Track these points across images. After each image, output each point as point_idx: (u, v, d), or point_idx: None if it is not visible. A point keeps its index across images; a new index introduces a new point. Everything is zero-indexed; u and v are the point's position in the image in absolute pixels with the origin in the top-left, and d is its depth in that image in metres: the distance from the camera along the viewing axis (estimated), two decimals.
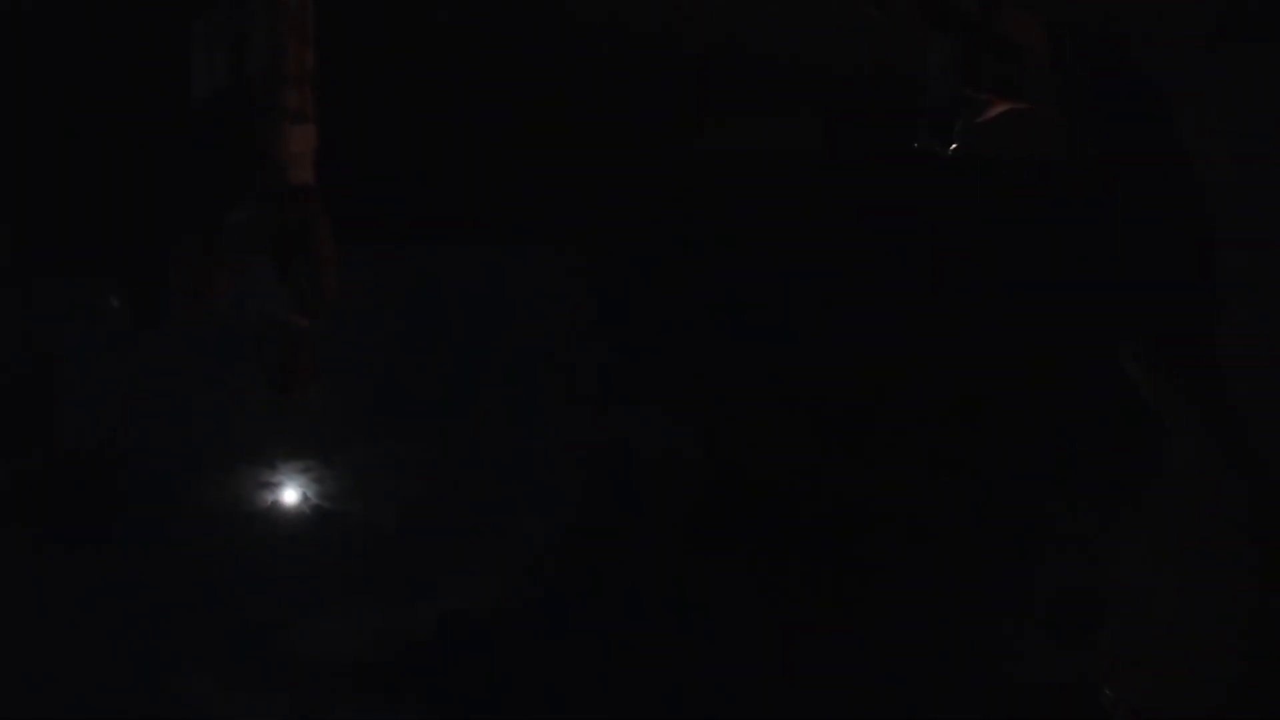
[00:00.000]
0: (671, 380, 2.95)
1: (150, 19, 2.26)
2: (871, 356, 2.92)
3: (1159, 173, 1.59)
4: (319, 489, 2.82)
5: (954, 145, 1.90)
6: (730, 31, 2.94)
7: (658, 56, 2.93)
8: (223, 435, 2.79)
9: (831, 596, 2.59)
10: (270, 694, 2.42)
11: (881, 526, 2.70)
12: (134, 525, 2.62)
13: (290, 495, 2.83)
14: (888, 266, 2.92)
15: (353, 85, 2.42)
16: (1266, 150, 1.58)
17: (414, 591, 2.61)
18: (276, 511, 2.79)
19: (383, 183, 2.82)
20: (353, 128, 2.36)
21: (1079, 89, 1.64)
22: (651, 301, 3.01)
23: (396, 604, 2.58)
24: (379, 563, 2.68)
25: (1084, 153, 1.66)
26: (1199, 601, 1.59)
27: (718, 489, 2.80)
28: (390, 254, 2.89)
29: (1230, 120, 1.56)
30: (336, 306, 2.24)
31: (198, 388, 2.64)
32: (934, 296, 2.86)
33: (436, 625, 2.55)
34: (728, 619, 2.55)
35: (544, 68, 2.90)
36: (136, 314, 2.39)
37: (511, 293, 2.99)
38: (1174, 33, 1.56)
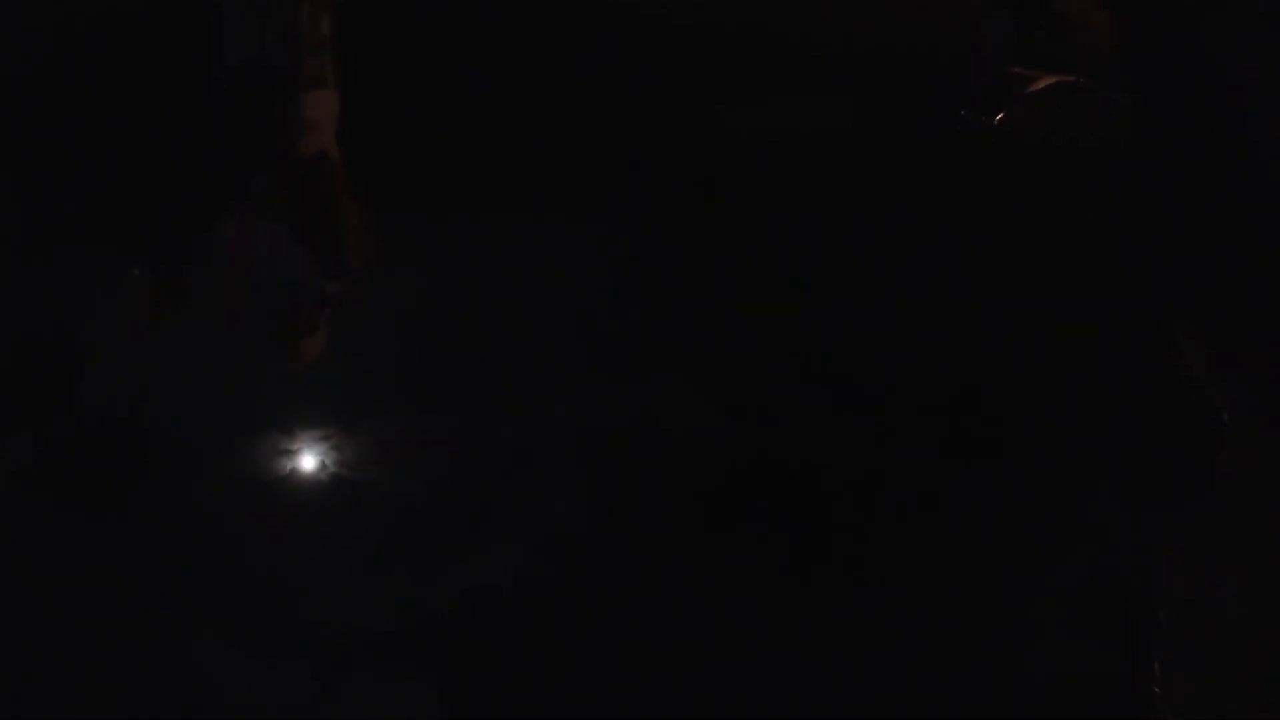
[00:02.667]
0: (698, 355, 2.93)
1: None
2: (902, 334, 2.90)
3: (1223, 153, 1.57)
4: (338, 457, 2.80)
5: (1000, 116, 1.87)
6: (764, 6, 2.91)
7: (691, 30, 2.90)
8: (243, 403, 2.77)
9: (856, 576, 2.58)
10: (288, 663, 2.41)
11: (909, 507, 2.68)
12: (154, 492, 2.61)
13: (309, 463, 2.81)
14: (920, 244, 2.90)
15: (379, 52, 2.39)
16: None
17: (434, 563, 2.59)
18: (296, 479, 2.77)
19: (408, 150, 2.79)
20: (379, 95, 2.33)
21: (1142, 66, 1.61)
22: (678, 276, 2.99)
23: (416, 575, 2.57)
24: (399, 533, 2.67)
25: (1145, 132, 1.63)
26: (1258, 601, 1.57)
27: (743, 465, 2.79)
28: (415, 222, 2.87)
29: None
30: (357, 273, 2.22)
31: (219, 355, 2.61)
32: (968, 275, 2.84)
33: (457, 597, 2.53)
34: (751, 597, 2.54)
35: (576, 39, 2.87)
36: (159, 283, 2.37)
37: (537, 264, 2.97)
38: (1244, 9, 1.53)
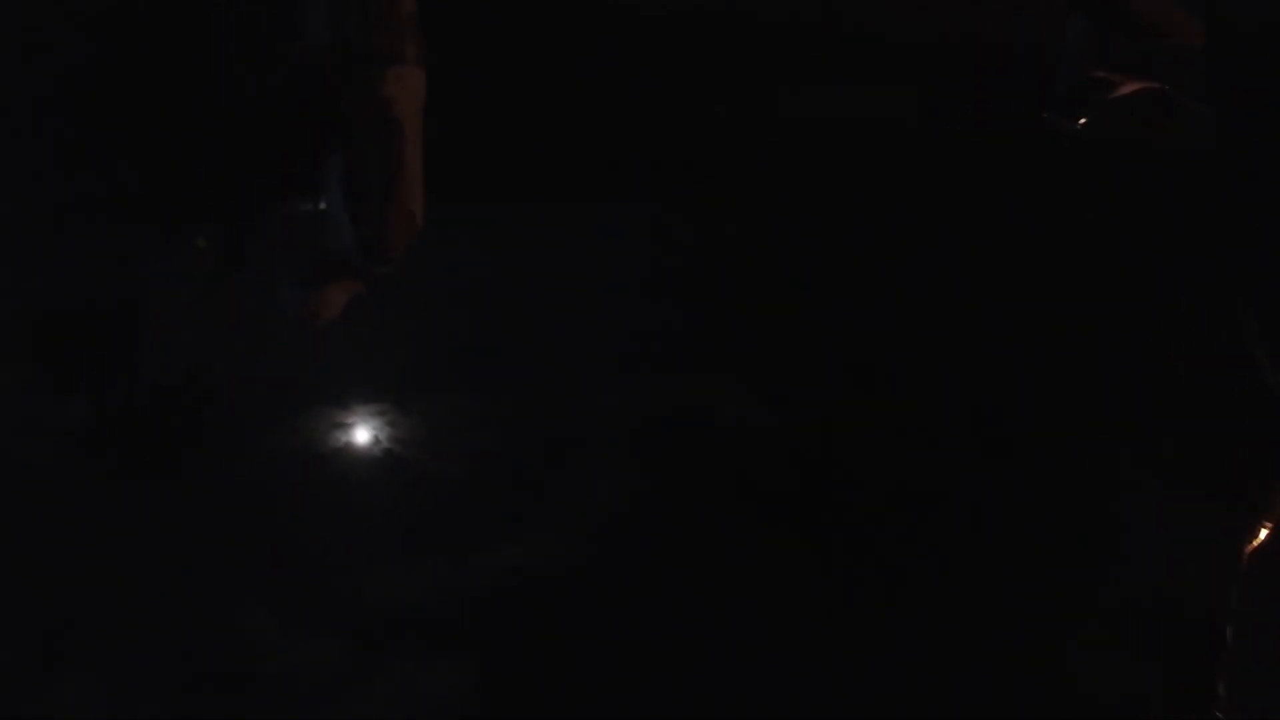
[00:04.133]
0: (747, 348, 2.91)
1: None
2: (956, 333, 2.85)
3: None
4: (391, 433, 2.82)
5: (1082, 121, 1.83)
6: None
7: (753, 21, 2.87)
8: (301, 376, 2.79)
9: (899, 575, 2.54)
10: (328, 635, 2.41)
11: (959, 507, 2.64)
12: (206, 461, 2.63)
13: (363, 438, 2.82)
14: (974, 240, 2.85)
15: (440, 37, 2.38)
16: None
17: (478, 543, 2.60)
18: (348, 453, 2.79)
19: (470, 137, 2.79)
20: (442, 81, 2.33)
21: (1225, 74, 1.56)
22: (731, 268, 2.97)
23: (459, 554, 2.58)
24: (445, 512, 2.67)
25: (1227, 141, 1.58)
26: None
27: (788, 459, 2.76)
28: (477, 209, 2.87)
29: None
30: (396, 262, 2.21)
31: (280, 329, 2.62)
32: (1029, 276, 2.79)
33: (497, 579, 2.53)
34: (791, 591, 2.51)
35: (639, 31, 2.85)
36: (224, 256, 2.38)
37: (593, 252, 2.97)
38: None
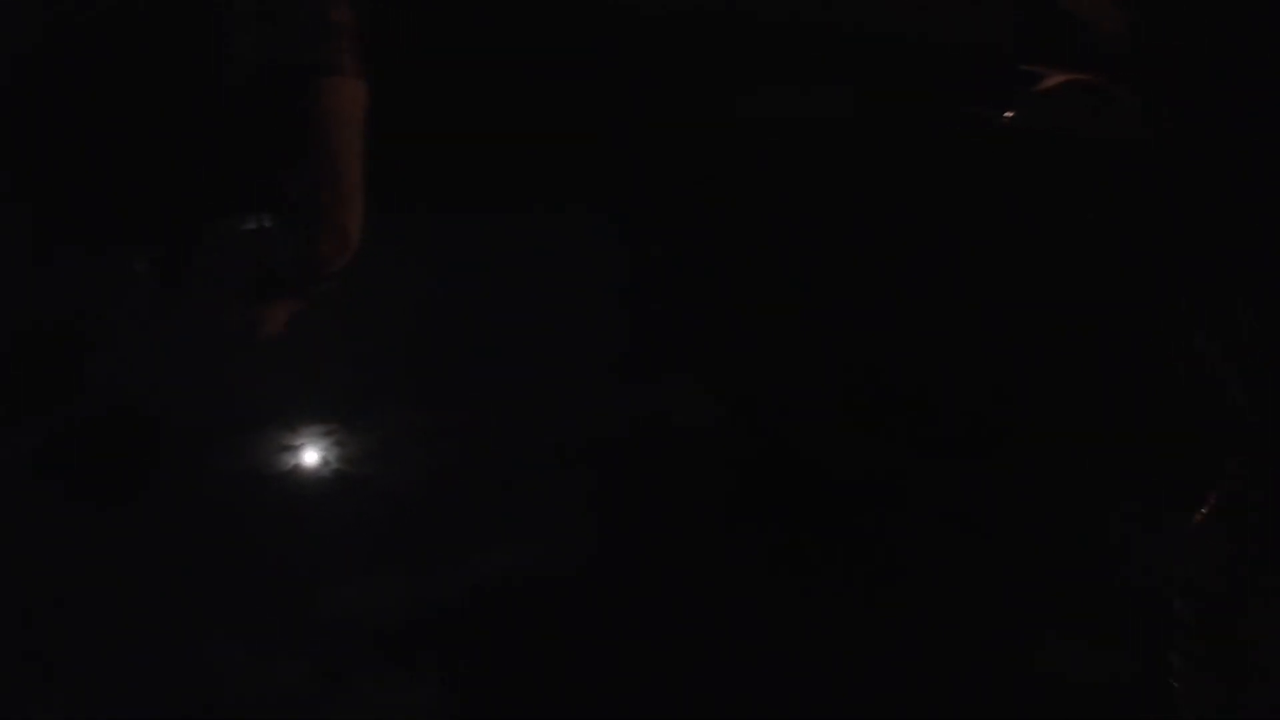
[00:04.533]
0: (706, 351, 2.92)
1: None
2: (910, 332, 2.89)
3: (1236, 151, 1.56)
4: (341, 453, 2.80)
5: (1009, 114, 1.87)
6: None
7: (692, 22, 2.88)
8: (245, 398, 2.76)
9: (865, 573, 2.57)
10: (292, 659, 2.40)
11: (919, 507, 2.68)
12: (157, 488, 2.60)
13: (312, 459, 2.80)
14: (924, 241, 2.89)
15: (380, 42, 2.37)
16: None
17: (437, 559, 2.59)
18: (299, 475, 2.76)
19: (414, 143, 2.78)
20: (383, 88, 2.31)
21: (1153, 64, 1.60)
22: (687, 271, 2.98)
23: (420, 572, 2.56)
24: (402, 530, 2.66)
25: (1156, 130, 1.62)
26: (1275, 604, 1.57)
27: (752, 462, 2.78)
28: (420, 217, 2.86)
29: None
30: (337, 275, 2.18)
31: (222, 351, 2.60)
32: (973, 272, 2.83)
33: (460, 594, 2.53)
34: (757, 595, 2.53)
35: (580, 33, 2.85)
36: (163, 278, 2.35)
37: (544, 260, 2.96)
38: (1258, 5, 1.53)
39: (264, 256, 2.24)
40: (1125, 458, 2.62)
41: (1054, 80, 1.82)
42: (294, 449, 2.82)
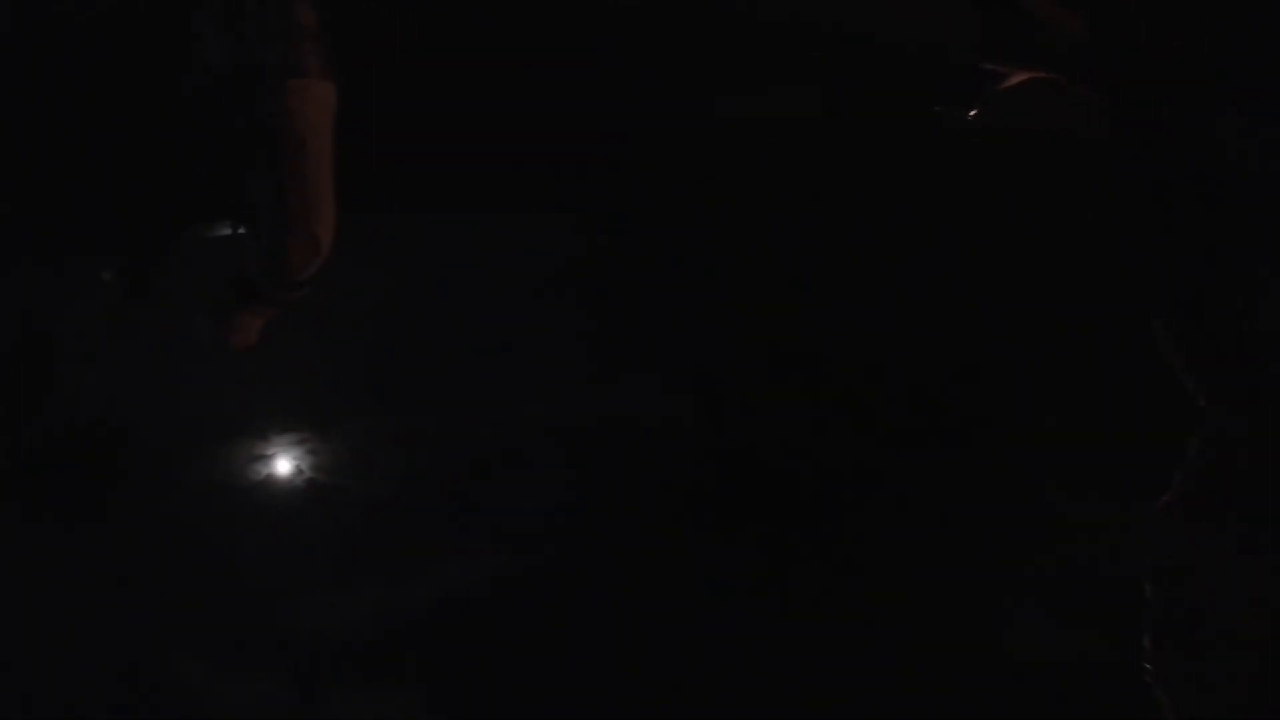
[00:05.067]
0: (670, 351, 2.93)
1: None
2: (877, 329, 2.90)
3: (1195, 148, 1.57)
4: (313, 461, 2.79)
5: (974, 112, 1.87)
6: None
7: (663, 23, 2.88)
8: (215, 408, 2.75)
9: (832, 571, 2.57)
10: (266, 671, 2.39)
11: (889, 501, 2.68)
12: (127, 500, 2.58)
13: (284, 468, 2.79)
14: (895, 238, 2.90)
15: (347, 45, 2.35)
16: None
17: (410, 566, 2.58)
18: (270, 484, 2.75)
19: (379, 148, 2.77)
20: (349, 90, 2.29)
21: (1111, 62, 1.61)
22: (650, 272, 2.98)
23: (393, 578, 2.55)
24: (375, 536, 2.65)
25: (1116, 128, 1.63)
26: (1243, 589, 1.59)
27: (717, 461, 2.78)
28: (385, 223, 2.84)
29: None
30: (304, 286, 2.15)
31: (190, 361, 2.58)
32: (945, 269, 2.84)
33: (434, 600, 2.52)
34: (728, 595, 2.53)
35: (548, 35, 2.84)
36: (129, 289, 2.33)
37: (509, 263, 2.95)
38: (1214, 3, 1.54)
39: (234, 264, 2.21)
40: (1094, 447, 2.64)
41: (1016, 79, 1.83)
42: (266, 458, 2.81)
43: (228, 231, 2.23)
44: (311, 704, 2.34)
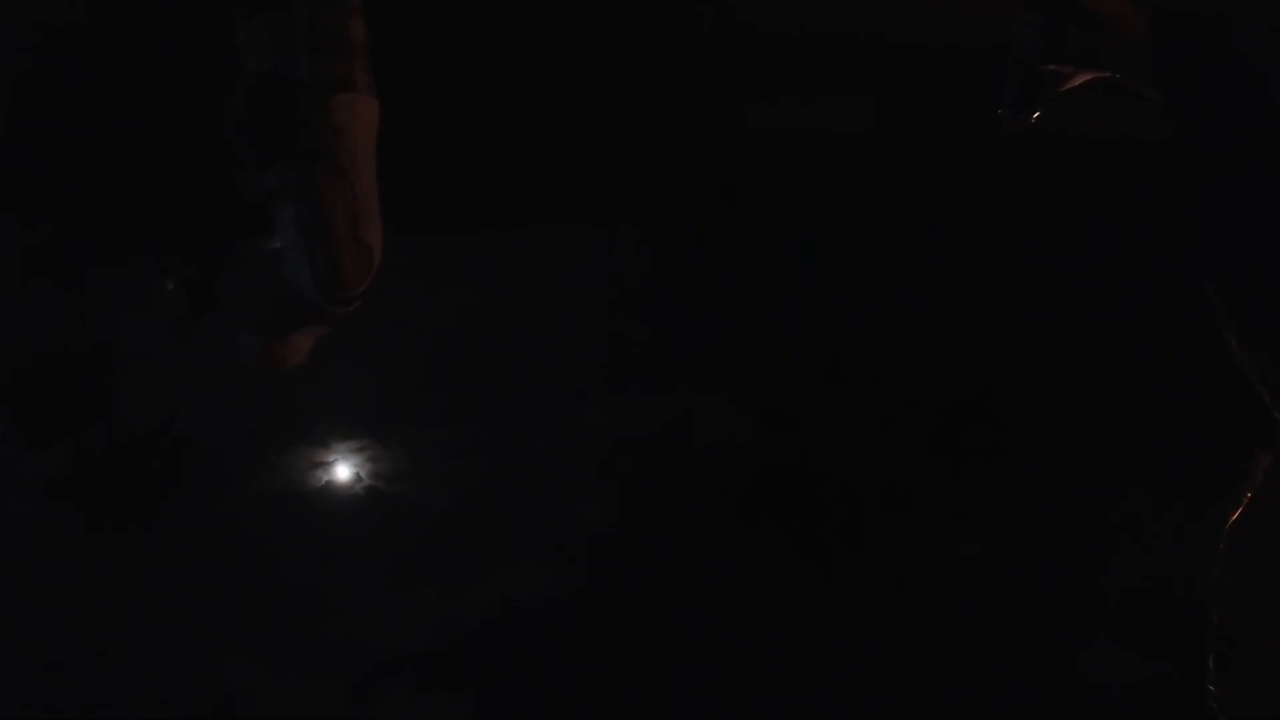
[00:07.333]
0: (725, 363, 2.91)
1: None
2: (931, 339, 2.86)
3: (1258, 151, 1.53)
4: (372, 469, 2.80)
5: (1036, 115, 1.84)
6: (785, 7, 2.88)
7: (710, 33, 2.88)
8: (276, 416, 2.77)
9: (887, 585, 2.53)
10: (320, 678, 2.39)
11: (942, 513, 2.64)
12: (187, 506, 2.61)
13: (343, 475, 2.80)
14: (945, 247, 2.86)
15: (400, 62, 2.36)
16: None
17: (466, 575, 2.58)
18: (329, 492, 2.77)
19: (440, 165, 2.79)
20: (404, 108, 2.30)
21: (1175, 63, 1.57)
22: (707, 284, 2.97)
23: (448, 588, 2.56)
24: (431, 546, 2.65)
25: (1179, 130, 1.59)
26: None
27: (773, 473, 2.75)
28: (448, 238, 2.86)
29: None
30: (355, 301, 2.15)
31: (250, 370, 2.61)
32: (1000, 276, 2.80)
33: (488, 610, 2.52)
34: (781, 605, 2.50)
35: (597, 47, 2.85)
36: (193, 297, 2.35)
37: (567, 275, 2.96)
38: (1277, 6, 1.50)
39: (290, 275, 2.22)
40: (1159, 462, 2.58)
41: (1077, 81, 1.79)
42: (326, 465, 2.82)
43: (282, 243, 2.24)
44: (366, 711, 2.35)
